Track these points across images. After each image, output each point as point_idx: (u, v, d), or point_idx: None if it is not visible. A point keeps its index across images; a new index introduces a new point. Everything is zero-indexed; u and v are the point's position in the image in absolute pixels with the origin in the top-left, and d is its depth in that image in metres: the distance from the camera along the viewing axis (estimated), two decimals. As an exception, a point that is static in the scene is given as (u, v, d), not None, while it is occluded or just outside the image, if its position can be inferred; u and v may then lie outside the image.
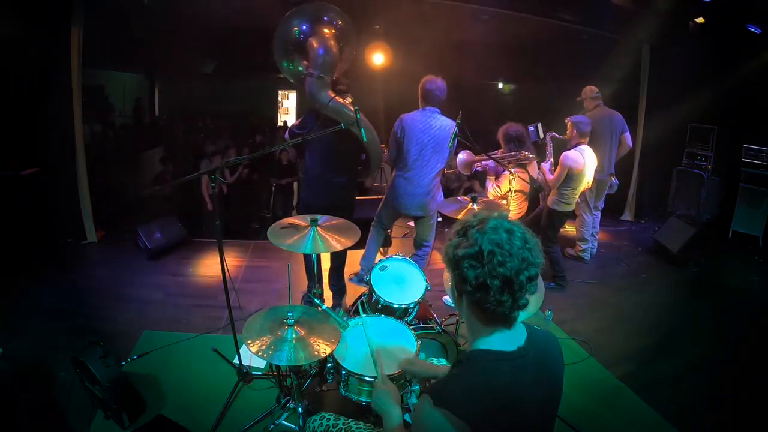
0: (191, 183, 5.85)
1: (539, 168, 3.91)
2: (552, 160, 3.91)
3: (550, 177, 3.78)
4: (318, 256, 2.66)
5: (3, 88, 4.03)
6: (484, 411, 1.01)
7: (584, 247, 4.61)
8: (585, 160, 3.62)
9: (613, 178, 4.47)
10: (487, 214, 1.10)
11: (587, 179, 3.75)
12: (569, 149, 3.68)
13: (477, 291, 1.03)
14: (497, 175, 3.98)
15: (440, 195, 3.32)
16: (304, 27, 3.12)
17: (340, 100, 2.99)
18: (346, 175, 3.18)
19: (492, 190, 4.00)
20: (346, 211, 3.13)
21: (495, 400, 1.03)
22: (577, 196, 3.82)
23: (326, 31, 3.10)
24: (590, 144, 4.04)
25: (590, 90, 4.46)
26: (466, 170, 4.09)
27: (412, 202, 3.23)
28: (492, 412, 1.02)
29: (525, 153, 3.67)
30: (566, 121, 3.79)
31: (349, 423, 1.66)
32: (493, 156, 3.57)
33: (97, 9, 4.22)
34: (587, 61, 5.67)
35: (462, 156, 3.95)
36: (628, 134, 4.45)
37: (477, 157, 3.86)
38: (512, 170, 3.30)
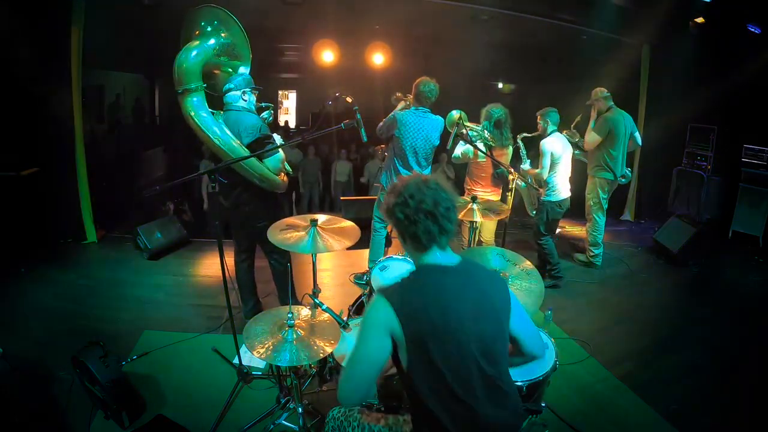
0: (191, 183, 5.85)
1: (519, 172, 3.89)
2: (529, 161, 3.98)
3: (535, 172, 3.86)
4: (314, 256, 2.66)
5: (3, 88, 4.02)
6: (411, 303, 1.28)
7: (596, 252, 4.43)
8: (563, 145, 3.83)
9: (627, 170, 4.38)
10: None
11: (567, 164, 3.89)
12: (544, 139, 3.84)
13: (410, 225, 1.34)
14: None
15: None
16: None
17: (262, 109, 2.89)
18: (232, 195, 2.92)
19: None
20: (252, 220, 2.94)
21: (421, 296, 1.30)
22: (567, 183, 3.90)
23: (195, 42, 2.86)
24: (608, 146, 4.18)
25: (599, 91, 4.29)
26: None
27: None
28: (418, 307, 1.27)
29: (486, 132, 3.65)
30: (537, 114, 3.92)
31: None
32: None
33: (97, 9, 4.21)
34: (587, 61, 5.67)
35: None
36: (637, 133, 4.38)
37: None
38: (512, 170, 3.30)
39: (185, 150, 7.10)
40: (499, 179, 3.72)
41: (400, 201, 1.35)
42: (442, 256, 1.38)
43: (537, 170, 3.86)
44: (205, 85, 2.77)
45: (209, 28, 2.87)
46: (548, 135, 3.83)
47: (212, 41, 2.86)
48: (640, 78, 5.71)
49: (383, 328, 1.28)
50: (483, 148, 3.49)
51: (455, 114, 3.62)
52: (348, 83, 6.48)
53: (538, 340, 1.50)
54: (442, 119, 3.51)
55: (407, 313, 1.27)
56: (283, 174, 2.93)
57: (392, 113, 3.48)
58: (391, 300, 1.28)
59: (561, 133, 3.94)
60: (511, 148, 3.81)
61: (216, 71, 3.01)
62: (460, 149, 3.76)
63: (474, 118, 3.77)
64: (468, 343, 1.28)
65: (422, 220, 1.33)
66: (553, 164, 3.81)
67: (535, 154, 3.94)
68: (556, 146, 3.80)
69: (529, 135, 3.96)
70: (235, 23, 2.91)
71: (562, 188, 3.87)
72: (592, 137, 4.21)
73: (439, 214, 1.33)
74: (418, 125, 3.39)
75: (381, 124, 3.51)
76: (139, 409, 2.38)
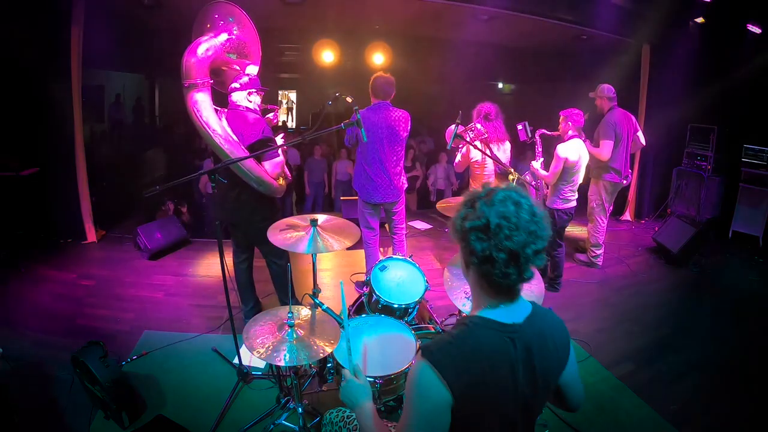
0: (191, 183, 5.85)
1: (530, 168, 3.88)
2: (543, 158, 3.87)
3: (543, 174, 3.73)
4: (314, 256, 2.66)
5: (3, 88, 4.03)
6: (467, 378, 1.03)
7: (598, 252, 4.41)
8: (580, 152, 3.61)
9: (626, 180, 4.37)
10: (495, 185, 1.09)
11: (582, 173, 3.72)
12: (562, 142, 3.66)
13: (483, 263, 1.03)
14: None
15: (405, 179, 3.59)
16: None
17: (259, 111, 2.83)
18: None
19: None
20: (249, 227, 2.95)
21: (478, 368, 1.04)
22: (576, 192, 3.81)
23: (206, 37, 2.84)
24: (613, 148, 4.03)
25: (607, 89, 4.14)
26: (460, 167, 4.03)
27: (384, 191, 3.42)
28: (474, 382, 1.03)
29: (478, 126, 3.66)
30: (560, 114, 3.77)
31: None
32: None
33: (97, 9, 4.22)
34: (587, 61, 5.67)
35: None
36: (640, 133, 4.32)
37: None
38: (512, 170, 3.30)
39: (185, 150, 7.10)
40: (504, 176, 3.70)
41: (479, 225, 1.03)
42: (508, 311, 1.11)
43: (545, 173, 3.70)
44: (212, 81, 2.76)
45: (221, 23, 2.86)
46: (567, 139, 3.65)
47: (224, 36, 2.85)
48: (640, 78, 5.70)
49: (437, 409, 1.03)
50: (481, 146, 3.50)
51: (453, 126, 3.59)
52: (348, 83, 6.48)
53: (581, 394, 1.28)
54: (407, 113, 3.38)
55: (463, 391, 1.03)
56: (281, 179, 2.92)
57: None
58: (444, 372, 1.02)
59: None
60: (508, 143, 3.80)
61: (224, 68, 3.00)
62: (459, 153, 3.76)
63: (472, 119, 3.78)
64: (515, 413, 1.11)
65: (501, 261, 1.01)
66: (568, 172, 3.61)
67: (544, 152, 3.87)
68: (572, 153, 3.56)
69: (549, 133, 3.84)
70: (248, 21, 2.91)
71: (572, 197, 3.73)
72: (605, 147, 4.03)
73: (524, 256, 1.01)
74: (380, 119, 3.27)
75: (348, 134, 3.39)
76: (139, 409, 2.38)
